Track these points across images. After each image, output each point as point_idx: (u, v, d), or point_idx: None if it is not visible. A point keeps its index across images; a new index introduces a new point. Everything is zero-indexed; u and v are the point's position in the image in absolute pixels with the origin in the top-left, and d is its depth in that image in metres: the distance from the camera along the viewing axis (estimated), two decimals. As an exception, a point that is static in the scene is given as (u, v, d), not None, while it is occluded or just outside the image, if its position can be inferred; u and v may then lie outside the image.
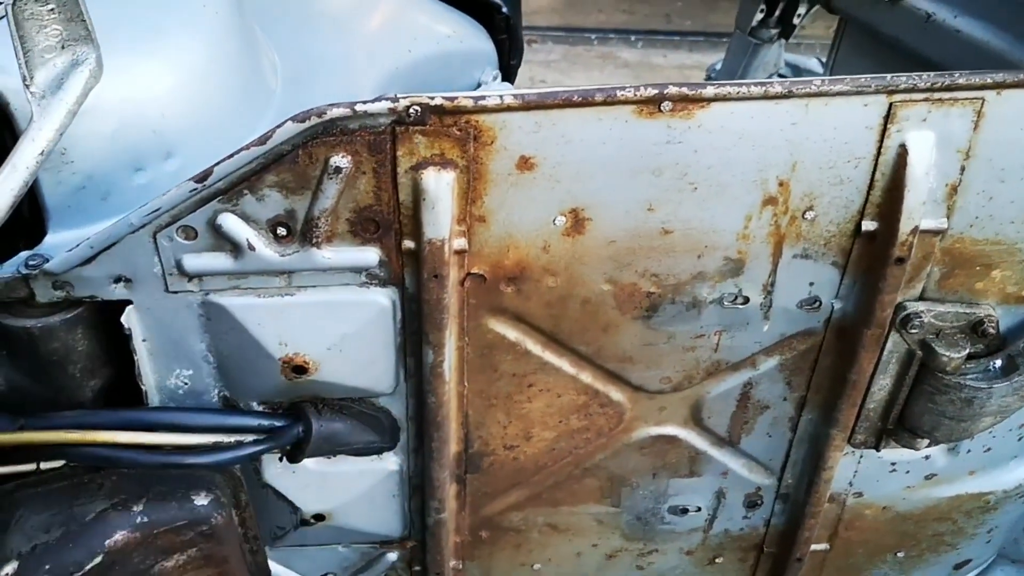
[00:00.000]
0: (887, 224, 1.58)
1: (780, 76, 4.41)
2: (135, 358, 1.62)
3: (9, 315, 1.52)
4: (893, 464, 2.03)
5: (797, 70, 4.51)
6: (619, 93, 1.43)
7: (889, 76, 1.45)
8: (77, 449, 1.55)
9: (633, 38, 8.79)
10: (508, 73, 3.02)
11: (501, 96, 1.42)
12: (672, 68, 8.31)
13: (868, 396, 1.83)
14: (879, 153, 1.53)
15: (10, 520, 1.52)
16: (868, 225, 1.60)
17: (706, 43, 8.61)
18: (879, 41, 2.76)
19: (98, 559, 1.51)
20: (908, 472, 2.05)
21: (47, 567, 1.47)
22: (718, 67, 5.07)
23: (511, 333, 1.72)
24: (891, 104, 1.48)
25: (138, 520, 1.56)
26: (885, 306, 1.66)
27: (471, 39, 2.78)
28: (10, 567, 1.46)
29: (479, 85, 2.79)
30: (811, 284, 1.69)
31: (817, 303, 1.72)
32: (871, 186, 1.56)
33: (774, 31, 4.22)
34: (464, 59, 2.71)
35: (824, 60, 4.31)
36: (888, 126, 1.50)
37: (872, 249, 1.62)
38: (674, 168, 1.52)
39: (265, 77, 1.94)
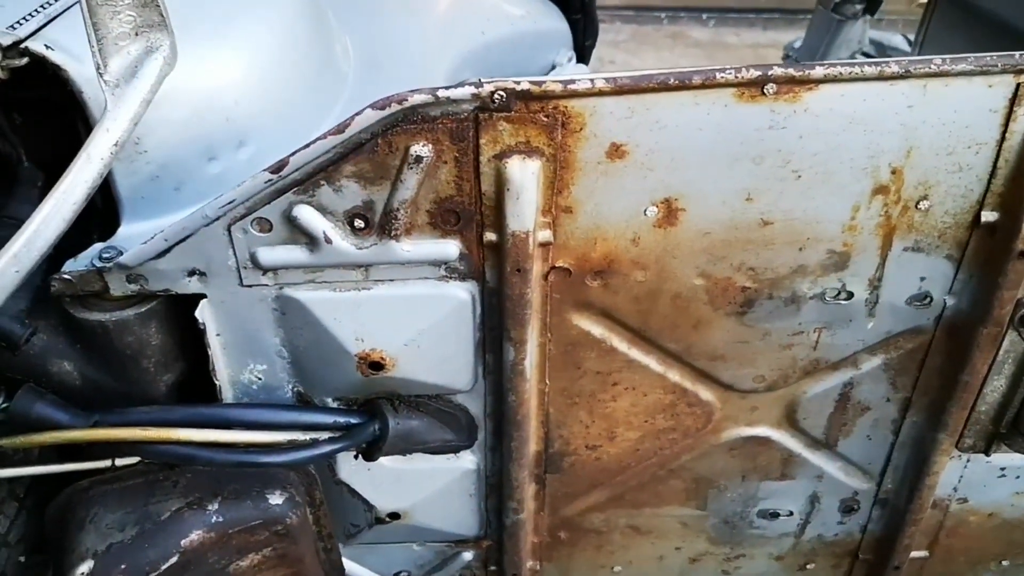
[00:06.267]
0: (1010, 215, 1.45)
1: (864, 55, 4.24)
2: (209, 353, 1.57)
3: (84, 308, 1.48)
4: (1003, 469, 1.91)
5: (882, 48, 4.35)
6: (719, 75, 1.33)
7: (1017, 54, 1.33)
8: (152, 447, 1.50)
9: (704, 16, 8.59)
10: (583, 54, 2.93)
11: (592, 80, 1.33)
12: (746, 47, 8.10)
13: (980, 398, 1.71)
14: (1003, 138, 1.40)
15: (85, 518, 1.49)
16: (988, 216, 1.47)
17: (782, 20, 8.37)
18: (975, 16, 2.62)
19: (174, 559, 1.47)
20: (1019, 477, 1.92)
21: (123, 567, 1.44)
22: (797, 45, 4.91)
23: (596, 329, 1.63)
24: (1019, 84, 1.35)
25: (213, 520, 1.52)
26: (1004, 303, 1.54)
27: (545, 19, 2.69)
28: (85, 566, 1.42)
29: (553, 67, 2.70)
30: (922, 279, 1.57)
31: (928, 299, 1.60)
32: (993, 174, 1.44)
33: (859, 6, 4.08)
34: (538, 40, 2.62)
35: (910, 37, 4.14)
36: (1015, 108, 1.37)
37: (992, 242, 1.50)
38: (776, 155, 1.41)
39: (338, 62, 1.88)
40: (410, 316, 1.55)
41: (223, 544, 1.54)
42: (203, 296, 1.51)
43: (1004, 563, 2.15)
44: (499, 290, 1.51)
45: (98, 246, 1.48)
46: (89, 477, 1.57)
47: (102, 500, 1.52)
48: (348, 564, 2.04)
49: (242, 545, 1.57)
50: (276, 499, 1.58)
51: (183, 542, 1.49)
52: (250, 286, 1.51)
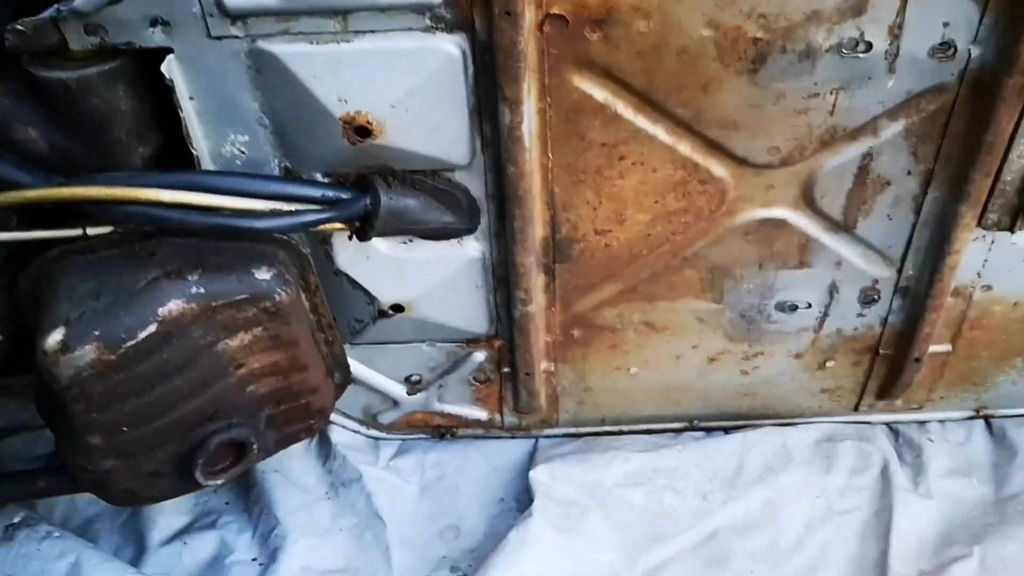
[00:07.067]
0: (1039, -57, 1.34)
1: None
2: (182, 117, 1.51)
3: (44, 67, 1.42)
4: (1030, 251, 1.83)
5: None
6: None
7: None
8: (121, 208, 1.44)
9: None
10: None
11: None
12: None
13: (1005, 165, 1.63)
14: None
15: (58, 287, 1.46)
16: (1016, -54, 1.36)
17: None
18: None
19: (152, 328, 1.44)
20: (1047, 261, 1.84)
21: (96, 333, 1.40)
22: None
23: (599, 93, 1.55)
24: None
25: (194, 290, 1.47)
26: (1032, 48, 1.44)
27: None
28: (58, 333, 1.39)
29: None
30: (945, 25, 1.47)
31: (952, 49, 1.50)
32: None
33: None
34: None
35: None
36: None
37: (1020, -23, 1.39)
38: None
39: None
40: (396, 73, 1.48)
41: (207, 318, 1.51)
42: (169, 50, 1.45)
43: (1030, 359, 2.09)
44: (490, 41, 1.44)
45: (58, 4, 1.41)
46: (59, 247, 1.54)
47: (75, 269, 1.48)
48: (356, 366, 2.03)
49: (229, 322, 1.54)
50: (263, 274, 1.54)
51: (161, 311, 1.45)
52: (219, 38, 1.44)
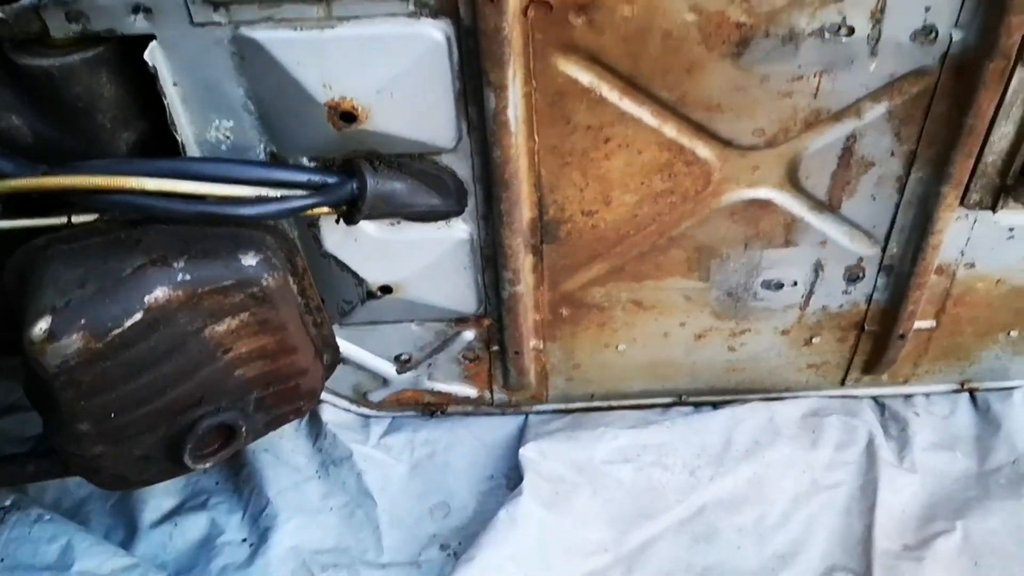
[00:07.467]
0: (1020, -74, 1.35)
1: None
2: (166, 103, 1.51)
3: (26, 55, 1.42)
4: (1011, 230, 1.85)
5: None
6: None
7: None
8: (105, 197, 1.43)
9: None
10: None
11: None
12: None
13: (987, 147, 1.64)
14: None
15: (43, 275, 1.46)
16: (997, -71, 1.36)
17: None
18: None
19: (138, 315, 1.44)
20: (1029, 239, 1.86)
21: (83, 321, 1.41)
22: None
23: (584, 77, 1.56)
24: None
25: (179, 277, 1.47)
26: (1012, 31, 1.44)
27: None
28: (44, 322, 1.40)
29: None
30: (927, 9, 1.47)
31: (933, 33, 1.50)
32: None
33: None
34: None
35: None
36: None
37: (1002, -40, 1.39)
38: None
39: None
40: (380, 58, 1.48)
41: (193, 305, 1.51)
42: (152, 37, 1.44)
43: (1012, 334, 2.11)
44: (474, 27, 1.44)
45: None
46: (45, 235, 1.53)
47: (60, 257, 1.48)
48: (346, 345, 2.04)
49: (215, 307, 1.54)
50: (249, 260, 1.54)
51: (147, 298, 1.45)
52: (202, 24, 1.43)
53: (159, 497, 2.12)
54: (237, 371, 1.64)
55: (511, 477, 2.15)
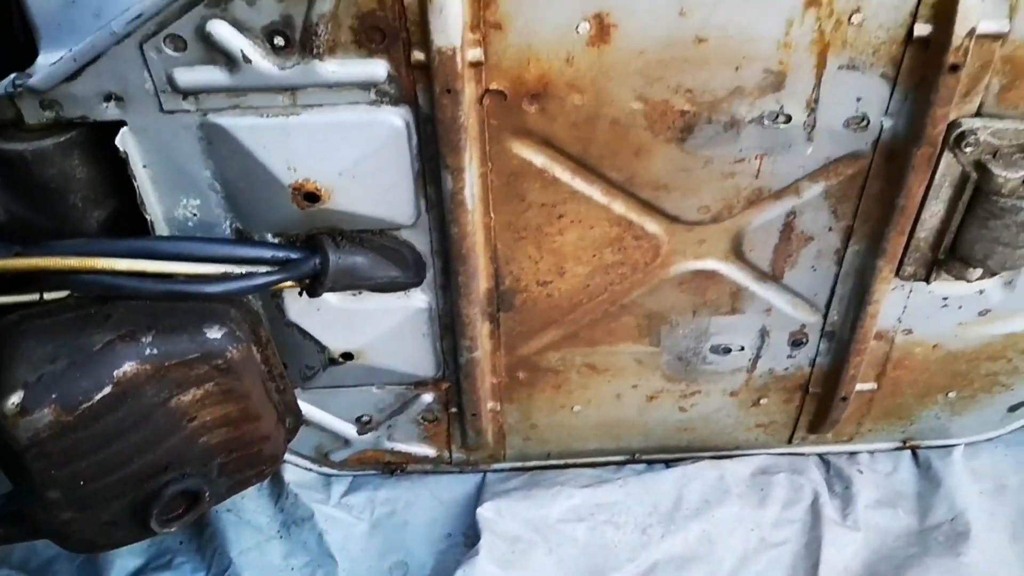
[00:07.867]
0: (941, 27, 1.44)
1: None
2: (135, 184, 1.56)
3: (1, 139, 1.47)
4: (945, 299, 1.94)
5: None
6: None
7: None
8: (76, 277, 1.50)
9: None
10: None
11: None
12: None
13: (918, 224, 1.73)
14: (935, -56, 1.39)
15: (15, 350, 1.50)
16: (921, 29, 1.46)
17: None
18: None
19: (107, 389, 1.49)
20: (961, 307, 1.95)
21: (54, 396, 1.45)
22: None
23: (537, 159, 1.64)
24: None
25: (147, 352, 1.52)
26: (937, 121, 1.54)
27: None
28: (16, 396, 1.44)
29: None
30: (858, 100, 1.57)
31: (865, 121, 1.60)
32: (925, -17, 1.43)
33: None
34: None
35: None
36: (945, -88, 1.36)
37: (925, 57, 1.49)
38: (707, -33, 1.40)
39: None
40: (343, 143, 1.54)
41: (160, 377, 1.56)
42: (123, 123, 1.50)
43: (951, 395, 2.20)
44: (432, 115, 1.51)
45: (13, 76, 1.44)
46: (18, 311, 1.58)
47: (32, 334, 1.52)
48: (308, 408, 2.09)
49: (181, 379, 1.59)
50: (214, 333, 1.59)
51: (116, 372, 1.50)
52: (171, 112, 1.49)
53: (125, 557, 2.14)
54: (202, 439, 1.68)
55: (469, 535, 2.20)
